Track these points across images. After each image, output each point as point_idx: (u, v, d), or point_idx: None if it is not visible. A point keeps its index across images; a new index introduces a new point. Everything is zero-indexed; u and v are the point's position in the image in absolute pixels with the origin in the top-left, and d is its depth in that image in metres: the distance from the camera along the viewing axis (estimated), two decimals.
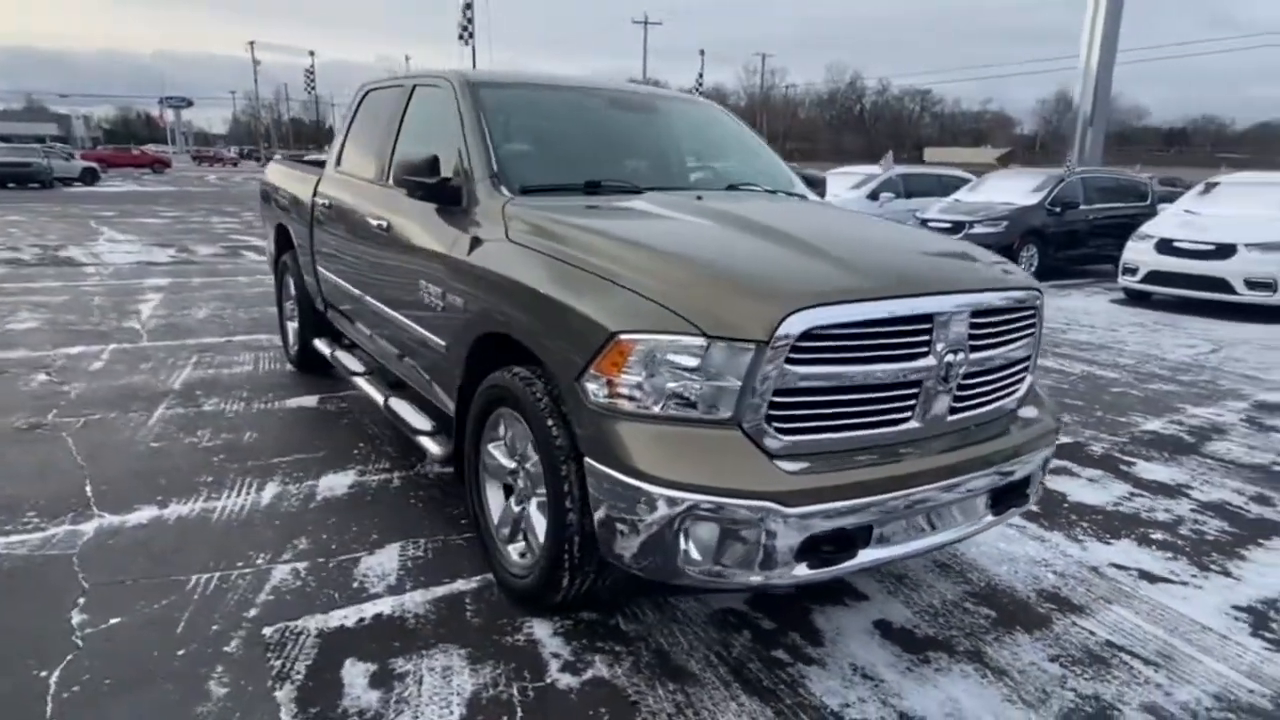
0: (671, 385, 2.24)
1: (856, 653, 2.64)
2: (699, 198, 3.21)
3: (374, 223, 3.80)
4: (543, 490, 2.70)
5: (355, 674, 2.42)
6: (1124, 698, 2.47)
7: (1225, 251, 9.35)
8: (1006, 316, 2.65)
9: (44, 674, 2.35)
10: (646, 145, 3.76)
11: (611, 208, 3.02)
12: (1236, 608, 3.02)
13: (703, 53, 54.03)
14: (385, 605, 2.79)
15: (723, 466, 2.22)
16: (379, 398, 3.88)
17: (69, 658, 2.42)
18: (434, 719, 2.25)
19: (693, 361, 2.21)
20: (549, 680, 2.43)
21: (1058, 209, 12.40)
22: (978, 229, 11.81)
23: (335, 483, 3.78)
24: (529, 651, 2.57)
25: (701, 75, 54.11)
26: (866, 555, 2.37)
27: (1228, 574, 3.27)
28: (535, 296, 2.56)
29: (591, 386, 2.34)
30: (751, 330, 2.18)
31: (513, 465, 2.87)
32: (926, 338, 2.40)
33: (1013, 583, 3.13)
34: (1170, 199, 13.77)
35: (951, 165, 21.64)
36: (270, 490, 3.67)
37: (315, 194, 4.75)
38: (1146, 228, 10.54)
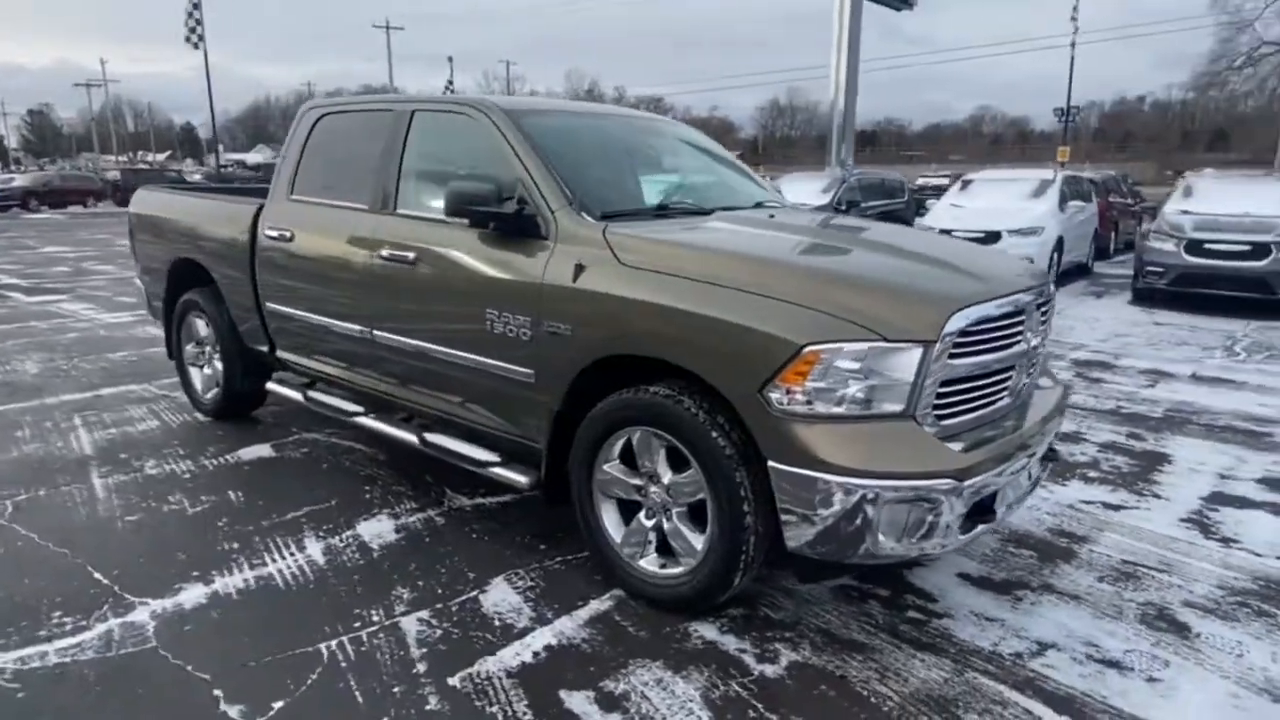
0: (854, 386, 2.52)
1: (967, 602, 3.08)
2: (771, 216, 3.48)
3: (386, 253, 3.64)
4: (684, 501, 2.87)
5: (580, 702, 2.44)
6: (1167, 599, 3.12)
7: (993, 238, 11.13)
8: (1046, 304, 3.21)
9: None
10: (673, 166, 3.95)
11: (717, 228, 3.21)
12: (1182, 520, 3.84)
13: (451, 59, 53.60)
14: (546, 636, 2.79)
15: (907, 453, 2.54)
16: (409, 436, 3.72)
17: None
18: None
19: (873, 364, 2.51)
20: (757, 672, 2.60)
21: (844, 207, 13.94)
22: None
23: (378, 529, 3.59)
24: (716, 651, 2.72)
25: (451, 81, 53.36)
26: (999, 514, 2.80)
27: (1158, 496, 4.13)
28: (698, 319, 2.69)
29: (774, 395, 2.55)
30: (923, 331, 2.53)
31: (639, 482, 2.98)
32: (1021, 326, 2.89)
33: (1027, 527, 3.74)
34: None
35: None
36: (315, 547, 3.41)
37: (259, 225, 4.38)
38: (926, 221, 12.24)
